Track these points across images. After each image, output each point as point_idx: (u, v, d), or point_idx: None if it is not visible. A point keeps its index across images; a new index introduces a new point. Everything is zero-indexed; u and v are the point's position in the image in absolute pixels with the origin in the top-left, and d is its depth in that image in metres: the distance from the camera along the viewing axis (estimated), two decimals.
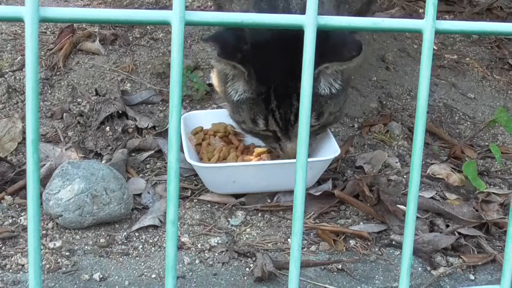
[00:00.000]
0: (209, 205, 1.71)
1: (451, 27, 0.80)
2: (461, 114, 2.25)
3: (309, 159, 1.67)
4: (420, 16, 2.93)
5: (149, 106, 2.10)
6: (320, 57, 1.55)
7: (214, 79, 1.78)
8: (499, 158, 1.76)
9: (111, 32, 2.40)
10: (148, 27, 2.53)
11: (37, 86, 0.60)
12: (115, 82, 2.14)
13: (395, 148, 1.97)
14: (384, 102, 2.25)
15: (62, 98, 2.09)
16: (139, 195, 1.74)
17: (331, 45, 1.55)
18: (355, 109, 2.20)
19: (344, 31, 1.79)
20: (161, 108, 2.10)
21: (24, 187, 1.75)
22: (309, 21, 0.72)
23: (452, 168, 1.86)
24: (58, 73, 2.18)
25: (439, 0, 3.08)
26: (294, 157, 1.72)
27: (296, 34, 1.58)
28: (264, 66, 1.58)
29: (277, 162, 1.65)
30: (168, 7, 2.73)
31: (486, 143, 2.10)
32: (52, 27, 2.48)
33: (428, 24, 0.75)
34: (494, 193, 1.75)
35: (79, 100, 2.08)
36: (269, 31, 1.59)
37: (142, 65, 2.26)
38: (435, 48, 2.62)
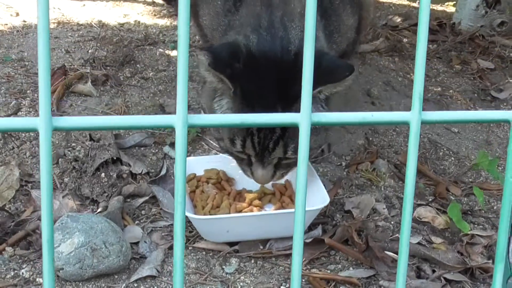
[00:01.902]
0: (203, 253, 1.77)
1: (437, 118, 0.86)
2: (445, 149, 2.31)
3: None
4: (404, 46, 3.00)
5: (142, 149, 2.16)
6: (314, 83, 1.59)
7: (202, 94, 1.82)
8: (482, 201, 1.83)
9: (102, 72, 2.45)
10: (137, 65, 2.59)
11: (51, 191, 0.66)
12: None
13: (382, 189, 2.03)
14: (370, 139, 2.31)
15: (57, 142, 2.14)
16: (136, 243, 1.79)
17: (324, 69, 1.59)
18: (342, 146, 2.26)
19: (335, 57, 1.85)
20: (153, 151, 2.15)
21: (24, 238, 1.80)
22: (303, 118, 0.78)
23: (437, 208, 1.93)
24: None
25: None
26: (263, 183, 1.78)
27: (290, 63, 1.64)
28: (251, 87, 1.61)
29: (269, 212, 1.71)
30: (157, 43, 2.79)
31: (470, 179, 2.17)
32: None
33: (414, 116, 0.82)
34: (478, 235, 1.82)
35: (73, 144, 2.13)
36: (264, 56, 1.64)
37: (134, 106, 2.32)
38: None
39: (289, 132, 1.62)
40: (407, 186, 0.88)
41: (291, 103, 1.61)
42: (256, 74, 1.61)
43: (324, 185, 1.96)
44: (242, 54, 1.62)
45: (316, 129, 1.68)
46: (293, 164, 1.71)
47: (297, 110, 1.74)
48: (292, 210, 1.74)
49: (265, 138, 1.63)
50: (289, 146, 1.65)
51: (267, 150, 1.66)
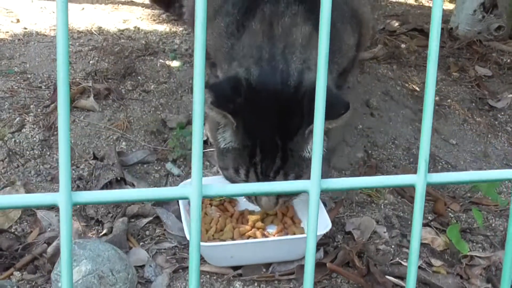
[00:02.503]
0: (208, 276, 1.81)
1: (443, 180, 0.90)
2: (443, 163, 2.35)
3: (300, 236, 1.77)
4: (402, 53, 3.03)
5: (145, 166, 2.19)
6: (311, 117, 1.62)
7: (206, 124, 1.85)
8: (481, 224, 1.87)
9: (104, 86, 2.47)
10: (139, 77, 2.61)
11: (71, 268, 0.69)
12: (111, 142, 2.23)
13: (382, 207, 2.07)
14: (370, 152, 2.34)
15: None
16: (141, 266, 1.83)
17: None
18: (342, 160, 2.29)
19: (332, 90, 1.88)
20: (156, 168, 2.18)
21: (31, 261, 1.83)
22: (313, 186, 0.81)
23: (437, 228, 1.97)
24: (55, 133, 2.26)
25: (419, 33, 3.18)
26: (267, 210, 1.82)
27: (290, 96, 1.67)
28: (253, 120, 1.65)
29: (272, 239, 1.75)
30: (157, 53, 2.81)
31: (469, 194, 2.21)
32: (47, 81, 2.55)
33: (420, 179, 0.85)
34: (477, 256, 1.86)
35: (77, 162, 2.16)
36: (265, 88, 1.67)
37: (136, 121, 2.34)
38: (418, 89, 2.72)
39: (289, 162, 1.66)
40: (412, 249, 0.91)
41: (291, 136, 1.65)
42: (257, 108, 1.65)
43: (325, 204, 2.00)
44: (243, 88, 1.65)
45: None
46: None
47: (297, 142, 1.77)
48: (294, 236, 1.79)
49: (267, 168, 1.67)
50: (290, 175, 1.69)
51: (268, 178, 1.70)
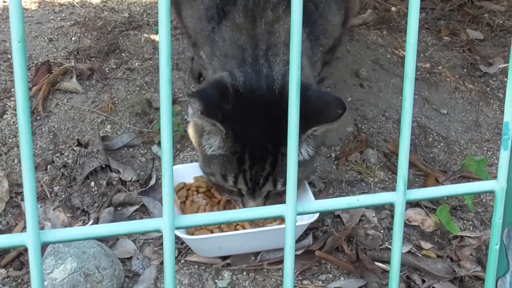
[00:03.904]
0: (196, 266, 1.79)
1: (422, 196, 0.87)
2: (434, 134, 2.31)
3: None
4: (392, 17, 2.96)
5: (131, 149, 2.15)
6: (306, 121, 1.59)
7: (189, 128, 1.82)
8: (471, 205, 1.84)
9: (87, 66, 2.42)
10: (123, 54, 2.55)
11: None
12: (96, 125, 2.19)
13: (372, 186, 2.04)
14: (359, 125, 2.30)
15: (45, 146, 2.13)
16: (129, 259, 1.81)
17: (315, 107, 1.59)
18: (331, 135, 2.26)
19: (321, 90, 1.85)
20: (142, 152, 2.14)
21: (17, 257, 1.81)
22: (289, 211, 0.79)
23: (427, 207, 1.94)
24: (38, 117, 2.21)
25: None
26: None
27: (276, 101, 1.63)
28: (242, 127, 1.63)
29: (260, 229, 1.73)
30: (141, 26, 2.74)
31: (459, 167, 2.18)
32: (28, 61, 2.49)
33: (399, 197, 0.82)
34: (467, 236, 1.84)
35: (62, 147, 2.12)
36: (251, 96, 1.64)
37: (121, 102, 2.29)
38: None
39: (278, 168, 1.63)
40: (392, 280, 0.89)
41: (284, 140, 1.60)
42: (245, 114, 1.62)
43: (314, 184, 1.98)
44: (230, 94, 1.62)
45: (305, 160, 1.68)
46: (283, 192, 1.72)
47: None
48: (281, 226, 1.76)
49: (256, 174, 1.65)
50: (279, 181, 1.67)
51: (257, 185, 1.68)
